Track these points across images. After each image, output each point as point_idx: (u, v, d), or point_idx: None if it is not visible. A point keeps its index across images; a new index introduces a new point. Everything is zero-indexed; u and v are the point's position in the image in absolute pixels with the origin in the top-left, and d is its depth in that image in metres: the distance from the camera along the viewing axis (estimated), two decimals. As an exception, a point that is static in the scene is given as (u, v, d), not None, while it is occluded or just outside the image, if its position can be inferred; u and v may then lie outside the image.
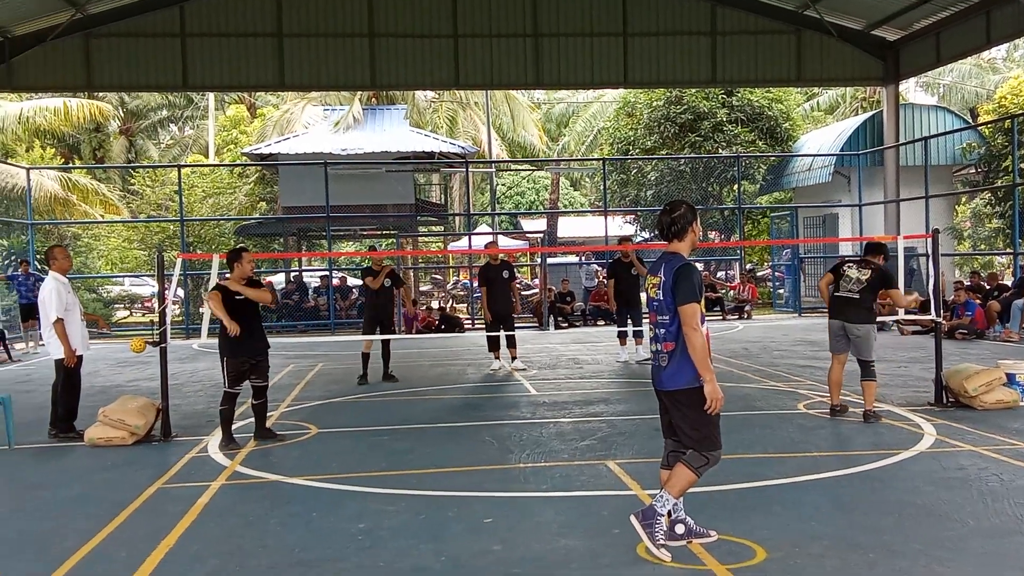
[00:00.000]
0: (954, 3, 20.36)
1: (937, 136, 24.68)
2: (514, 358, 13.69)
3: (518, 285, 15.81)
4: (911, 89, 40.23)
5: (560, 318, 22.45)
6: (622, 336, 14.30)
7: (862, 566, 4.74)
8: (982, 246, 28.13)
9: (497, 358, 13.65)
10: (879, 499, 6.04)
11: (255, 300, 8.43)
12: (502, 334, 13.48)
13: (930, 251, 9.76)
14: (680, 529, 5.06)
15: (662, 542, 4.94)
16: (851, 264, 9.00)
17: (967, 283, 19.14)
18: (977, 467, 6.77)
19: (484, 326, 13.97)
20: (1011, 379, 9.41)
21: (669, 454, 5.16)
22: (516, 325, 14.10)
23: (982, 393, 9.13)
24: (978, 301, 17.28)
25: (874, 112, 27.60)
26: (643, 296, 5.28)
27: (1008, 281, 20.24)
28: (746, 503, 6.02)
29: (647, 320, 5.21)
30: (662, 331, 5.01)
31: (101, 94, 33.40)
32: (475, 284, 27.22)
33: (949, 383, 9.41)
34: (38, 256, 21.84)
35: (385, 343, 12.87)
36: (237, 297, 8.26)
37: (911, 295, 9.41)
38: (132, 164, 37.71)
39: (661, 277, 5.00)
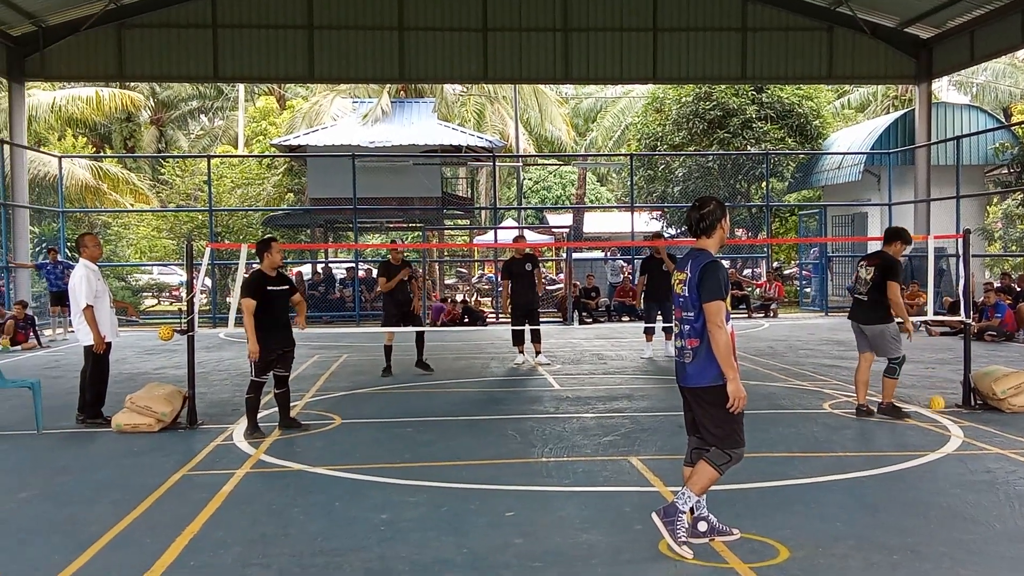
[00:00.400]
0: (989, 1, 20.10)
1: (969, 136, 24.38)
2: (538, 352, 13.67)
3: (544, 279, 15.72)
4: (944, 88, 39.79)
5: (584, 313, 22.42)
6: (648, 332, 14.31)
7: (885, 567, 4.70)
8: (1013, 247, 27.80)
9: (521, 352, 13.67)
10: (904, 500, 5.99)
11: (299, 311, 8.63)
12: (527, 328, 13.49)
13: (961, 252, 9.65)
14: (703, 527, 5.05)
15: (684, 539, 4.92)
16: (863, 263, 8.97)
17: (997, 284, 18.92)
18: (1004, 470, 6.70)
19: (509, 320, 13.95)
20: (1041, 382, 9.28)
21: (692, 451, 5.14)
22: (540, 320, 14.02)
23: (1011, 396, 9.03)
24: (1008, 303, 17.08)
25: (906, 111, 27.32)
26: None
27: (1039, 283, 19.96)
28: (769, 502, 5.98)
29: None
30: (687, 327, 5.00)
31: (133, 84, 33.70)
32: (499, 278, 27.34)
33: (977, 385, 9.31)
34: (69, 244, 22.08)
35: (419, 333, 12.88)
36: (270, 288, 8.31)
37: (904, 296, 8.94)
38: (162, 154, 38.06)
39: (687, 273, 4.99)
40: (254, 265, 8.64)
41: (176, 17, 21.43)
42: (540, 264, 14.04)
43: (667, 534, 4.93)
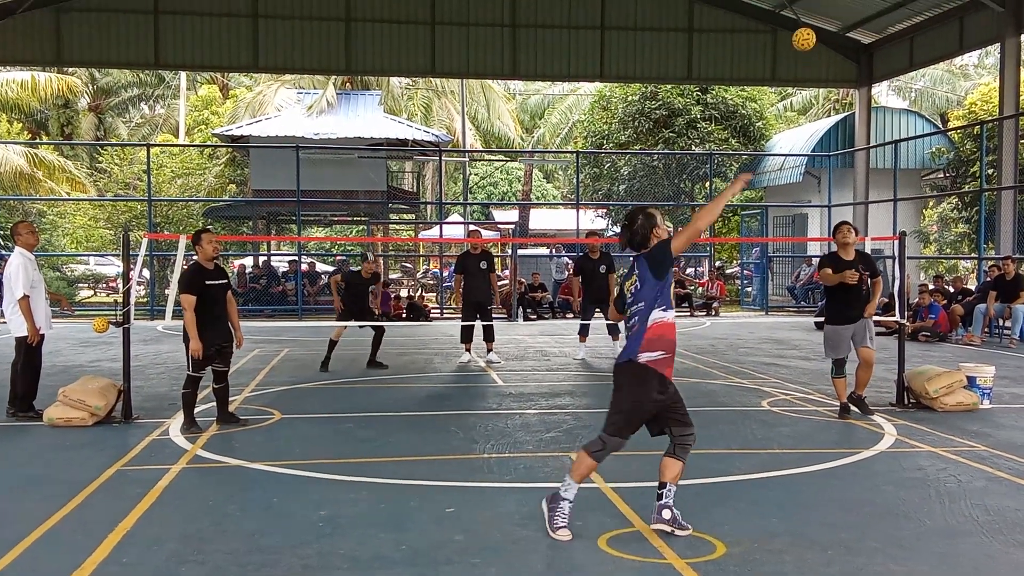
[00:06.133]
0: (928, 8, 20.58)
1: (907, 140, 24.94)
2: (489, 350, 13.33)
3: (498, 285, 15.41)
4: (883, 92, 40.58)
5: (529, 310, 22.44)
6: (583, 333, 13.92)
7: (819, 563, 4.78)
8: (948, 250, 28.45)
9: (468, 350, 13.32)
10: (839, 497, 6.10)
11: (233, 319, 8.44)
12: (478, 324, 13.22)
13: (897, 253, 9.84)
14: (667, 514, 5.18)
15: (559, 526, 5.11)
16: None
17: (932, 286, 19.34)
18: (936, 468, 6.85)
19: (460, 316, 13.66)
20: (972, 382, 9.51)
21: (674, 441, 5.24)
22: (492, 317, 13.73)
23: (943, 395, 9.22)
24: (942, 304, 17.47)
25: (846, 114, 27.85)
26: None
27: (972, 286, 20.49)
28: (707, 498, 6.04)
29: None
30: (635, 318, 5.11)
31: (71, 69, 32.91)
32: (445, 273, 27.24)
33: (911, 384, 9.50)
34: (2, 232, 21.50)
35: (377, 332, 12.75)
36: (208, 282, 8.16)
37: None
38: (100, 142, 37.25)
39: (637, 272, 5.10)
40: (193, 257, 8.47)
41: (116, 2, 20.97)
42: (494, 265, 13.67)
43: (546, 519, 5.15)
